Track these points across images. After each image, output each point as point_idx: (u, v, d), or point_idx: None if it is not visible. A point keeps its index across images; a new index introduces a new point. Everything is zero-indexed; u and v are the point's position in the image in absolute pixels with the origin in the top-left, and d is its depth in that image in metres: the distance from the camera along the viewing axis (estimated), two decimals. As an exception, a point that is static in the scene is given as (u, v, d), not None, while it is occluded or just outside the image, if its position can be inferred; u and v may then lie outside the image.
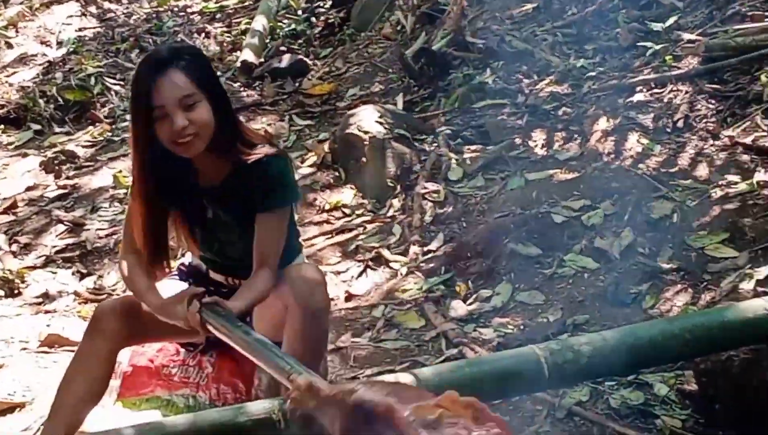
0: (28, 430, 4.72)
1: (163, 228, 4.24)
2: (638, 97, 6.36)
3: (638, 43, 6.78)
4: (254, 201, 4.17)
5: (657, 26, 6.83)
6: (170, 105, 3.89)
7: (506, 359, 3.93)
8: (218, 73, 7.13)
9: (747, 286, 4.86)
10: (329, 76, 8.10)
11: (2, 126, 8.76)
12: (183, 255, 4.69)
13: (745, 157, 5.76)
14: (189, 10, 10.01)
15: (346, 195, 6.42)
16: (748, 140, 5.85)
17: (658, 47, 6.64)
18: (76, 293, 6.19)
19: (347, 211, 6.43)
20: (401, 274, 5.79)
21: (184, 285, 4.37)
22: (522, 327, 5.12)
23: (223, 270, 4.39)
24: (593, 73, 6.74)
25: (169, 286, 4.49)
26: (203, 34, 9.39)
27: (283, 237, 4.22)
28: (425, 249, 5.92)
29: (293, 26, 8.97)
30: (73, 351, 4.51)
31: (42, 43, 9.83)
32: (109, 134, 8.30)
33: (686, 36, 6.63)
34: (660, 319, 4.76)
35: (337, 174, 6.81)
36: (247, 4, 9.68)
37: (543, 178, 6.02)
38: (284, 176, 4.26)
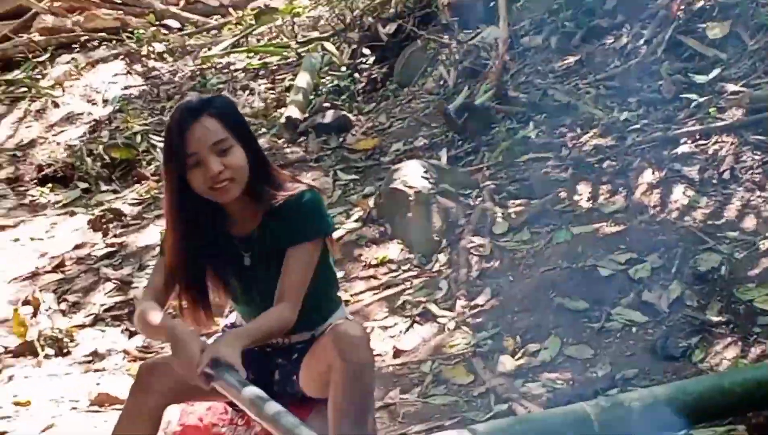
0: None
1: (202, 283, 4.23)
2: (683, 148, 6.34)
3: (682, 95, 6.77)
4: (285, 237, 4.12)
5: (700, 78, 6.82)
6: (204, 151, 3.92)
7: (556, 417, 3.91)
8: (263, 130, 7.16)
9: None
10: (373, 131, 8.11)
11: (50, 185, 8.83)
12: (227, 315, 4.67)
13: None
14: (232, 67, 10.04)
15: (392, 250, 6.42)
16: (797, 192, 5.83)
17: (701, 99, 6.62)
18: (125, 351, 6.19)
19: (393, 266, 6.42)
20: (448, 328, 5.76)
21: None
22: (571, 382, 5.08)
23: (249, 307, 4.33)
24: (637, 126, 6.72)
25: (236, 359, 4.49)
26: (247, 91, 9.42)
27: (310, 272, 4.15)
28: (472, 303, 5.89)
29: (336, 82, 8.98)
30: (121, 409, 4.52)
31: (88, 101, 9.90)
32: (155, 192, 8.31)
33: (730, 87, 6.61)
34: (710, 373, 4.73)
35: (382, 229, 6.80)
36: (290, 61, 9.69)
37: (589, 232, 6.00)
38: (314, 208, 4.21)
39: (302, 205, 4.15)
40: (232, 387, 3.75)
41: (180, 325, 4.00)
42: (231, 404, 4.48)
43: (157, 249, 7.31)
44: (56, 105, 9.94)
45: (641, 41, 7.37)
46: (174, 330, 3.92)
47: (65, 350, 6.22)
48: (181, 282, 4.18)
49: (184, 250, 4.12)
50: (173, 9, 11.48)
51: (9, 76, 10.64)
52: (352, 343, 4.03)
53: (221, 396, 4.37)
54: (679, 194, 6.08)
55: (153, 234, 7.61)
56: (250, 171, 3.99)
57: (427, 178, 6.70)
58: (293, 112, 8.82)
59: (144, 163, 8.75)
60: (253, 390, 3.70)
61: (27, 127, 9.81)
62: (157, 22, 11.23)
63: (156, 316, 4.06)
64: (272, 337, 4.10)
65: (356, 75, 8.93)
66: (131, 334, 6.45)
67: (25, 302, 6.83)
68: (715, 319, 5.22)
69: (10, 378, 5.95)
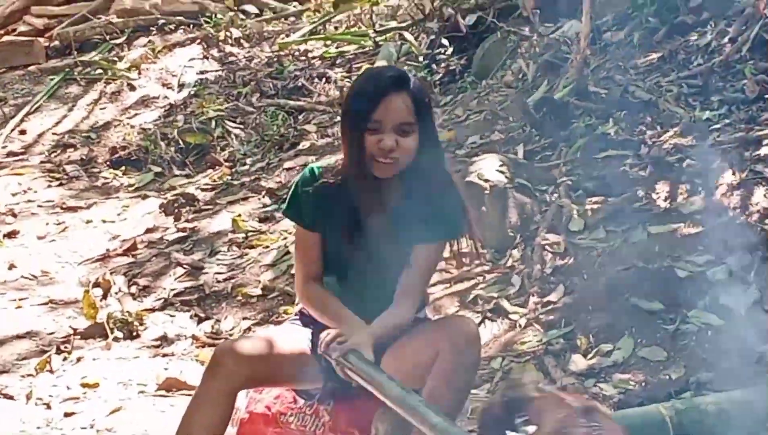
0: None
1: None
2: (765, 150, 6.30)
3: (766, 96, 6.72)
4: (417, 231, 4.17)
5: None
6: (388, 125, 3.99)
7: (632, 417, 3.91)
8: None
9: None
10: (449, 124, 8.09)
11: (123, 167, 8.87)
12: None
13: None
14: (309, 54, 10.05)
15: (463, 242, 6.43)
16: None
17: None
18: (194, 337, 6.22)
19: (466, 260, 6.42)
20: (520, 325, 5.75)
21: (306, 330, 4.38)
22: (643, 384, 5.06)
23: (354, 308, 4.28)
24: (718, 126, 6.67)
25: (290, 332, 4.52)
26: (324, 79, 9.41)
27: (433, 272, 4.34)
28: (545, 300, 5.87)
29: (413, 73, 8.97)
30: (190, 395, 4.52)
31: (164, 85, 9.94)
32: (229, 178, 8.35)
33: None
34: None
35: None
36: (367, 50, 9.68)
37: (666, 232, 5.97)
38: (454, 210, 4.24)
39: (446, 205, 4.22)
40: (366, 374, 3.84)
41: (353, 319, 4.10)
42: (300, 393, 4.51)
43: (229, 235, 7.37)
44: (132, 88, 9.99)
45: (726, 39, 7.32)
46: (349, 320, 4.08)
47: (134, 333, 6.25)
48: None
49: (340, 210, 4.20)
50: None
51: (86, 58, 10.69)
52: (468, 340, 4.11)
53: (294, 384, 4.43)
54: (760, 196, 6.04)
55: (225, 220, 7.65)
56: (418, 155, 4.05)
57: (503, 173, 6.68)
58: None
59: (218, 148, 8.78)
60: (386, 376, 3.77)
61: (102, 109, 9.87)
62: (236, 7, 11.22)
63: (333, 305, 4.23)
64: (394, 333, 4.14)
65: (434, 66, 8.92)
66: (200, 320, 6.49)
67: (96, 284, 6.87)
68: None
69: (79, 359, 6.00)
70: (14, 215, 8.23)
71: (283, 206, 4.41)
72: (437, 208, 4.19)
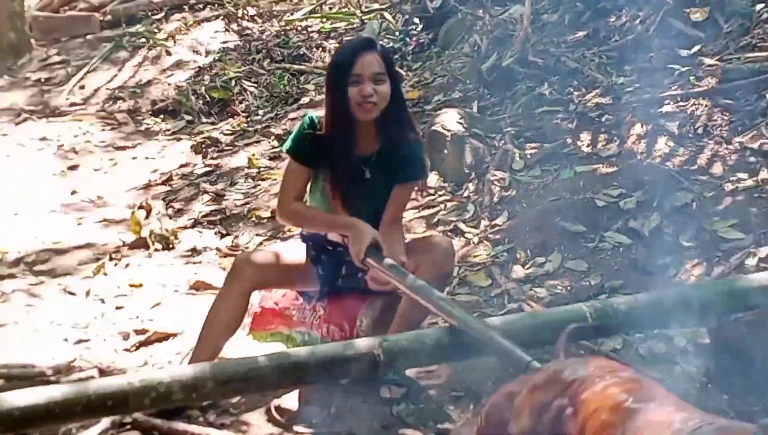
0: (179, 354, 4.76)
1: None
2: (666, 108, 6.31)
3: (668, 66, 6.73)
4: (397, 173, 4.32)
5: (683, 53, 6.78)
6: (366, 75, 4.10)
7: (560, 313, 3.92)
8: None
9: (751, 262, 4.84)
10: (419, 85, 8.08)
11: (162, 116, 8.87)
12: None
13: (752, 159, 5.72)
14: (309, 29, 10.02)
15: (431, 179, 6.41)
16: (755, 145, 5.80)
17: (684, 69, 6.58)
18: (217, 249, 6.24)
19: (431, 191, 6.42)
20: (473, 242, 5.78)
21: (304, 245, 4.53)
22: (569, 288, 5.11)
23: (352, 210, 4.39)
24: (630, 89, 6.69)
25: (293, 247, 4.59)
26: (320, 48, 9.41)
27: (407, 204, 4.64)
28: (493, 223, 5.90)
29: (391, 44, 8.94)
30: (214, 294, 4.56)
31: (194, 52, 9.93)
32: (245, 125, 8.37)
33: (707, 61, 6.57)
34: (680, 286, 4.76)
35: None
36: (355, 26, 9.65)
37: (588, 171, 5.99)
38: (421, 158, 4.53)
39: (416, 154, 4.47)
40: (380, 262, 4.01)
41: (355, 220, 4.20)
42: (302, 293, 4.55)
43: (245, 170, 7.38)
44: (168, 54, 9.97)
45: (637, 21, 7.33)
46: (354, 222, 4.17)
47: (170, 246, 6.27)
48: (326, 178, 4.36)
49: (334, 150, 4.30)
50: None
51: (132, 29, 10.66)
52: (446, 253, 4.38)
53: (297, 286, 4.47)
54: (662, 144, 6.07)
55: (242, 158, 7.67)
56: (389, 104, 4.17)
57: (461, 124, 6.71)
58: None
59: (236, 102, 8.78)
60: (393, 263, 3.97)
61: (145, 70, 9.86)
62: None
63: (321, 214, 4.41)
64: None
65: (407, 39, 8.91)
66: (222, 236, 6.51)
67: (140, 207, 6.88)
68: (686, 244, 5.23)
69: (127, 265, 6.02)
70: (75, 152, 8.21)
71: (285, 144, 4.48)
72: (408, 156, 4.39)
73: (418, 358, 4.00)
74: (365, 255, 4.01)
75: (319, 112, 4.38)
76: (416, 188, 4.48)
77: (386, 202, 4.34)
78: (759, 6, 6.85)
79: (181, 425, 4.03)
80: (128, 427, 4.06)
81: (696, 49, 6.79)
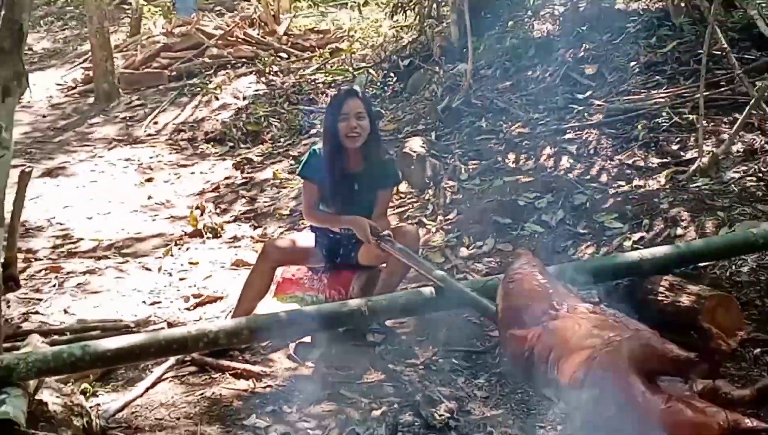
0: (224, 311, 4.75)
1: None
2: (568, 135, 6.34)
3: (569, 105, 6.74)
4: (379, 183, 4.49)
5: (580, 96, 6.80)
6: (351, 114, 4.26)
7: (493, 281, 3.92)
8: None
9: (627, 244, 4.89)
10: (394, 120, 8.04)
11: (212, 143, 8.82)
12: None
13: (628, 171, 5.75)
14: (317, 81, 9.98)
15: (402, 187, 6.41)
16: (630, 162, 5.84)
17: (580, 108, 6.61)
18: (251, 237, 6.21)
19: (402, 195, 6.43)
20: (432, 231, 5.76)
21: (312, 235, 4.60)
22: (499, 263, 5.12)
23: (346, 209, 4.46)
24: (543, 122, 6.71)
25: (305, 235, 4.65)
26: (324, 94, 9.38)
27: (389, 203, 4.75)
28: (446, 218, 5.88)
29: (374, 91, 8.93)
30: (249, 269, 4.60)
31: (234, 97, 9.89)
32: (271, 149, 8.34)
33: (596, 102, 6.59)
34: (577, 261, 4.76)
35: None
36: (348, 79, 9.60)
37: (513, 180, 5.98)
38: (396, 172, 4.74)
39: (391, 170, 4.65)
40: (389, 243, 4.17)
41: (356, 216, 4.30)
42: (311, 268, 4.58)
43: (271, 181, 7.38)
44: (216, 99, 9.92)
45: (547, 74, 7.35)
46: (355, 218, 4.27)
47: (218, 235, 6.24)
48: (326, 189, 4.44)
49: (332, 172, 4.39)
50: (285, 47, 11.37)
51: (190, 82, 10.62)
52: (414, 238, 4.49)
53: (308, 263, 4.49)
54: (565, 161, 6.11)
55: (269, 173, 7.64)
56: (369, 134, 4.32)
57: (423, 147, 6.72)
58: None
59: (265, 133, 8.77)
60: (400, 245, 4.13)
61: (200, 111, 9.82)
62: (275, 54, 11.15)
63: (332, 216, 4.45)
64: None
65: (385, 88, 8.93)
66: (255, 228, 6.48)
67: (197, 207, 6.85)
68: (582, 231, 5.25)
69: (187, 249, 5.99)
70: (150, 169, 8.19)
71: (298, 169, 4.71)
72: (385, 171, 4.55)
73: (393, 313, 4.08)
74: (371, 234, 4.17)
75: (320, 145, 4.54)
76: (393, 193, 4.57)
77: (371, 205, 4.45)
78: (632, 63, 6.90)
79: (225, 362, 4.04)
80: (188, 363, 4.07)
81: (588, 93, 6.82)
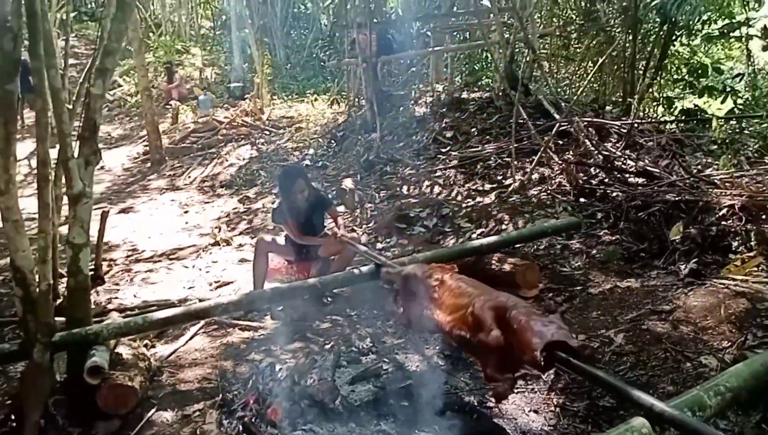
0: (234, 291, 4.66)
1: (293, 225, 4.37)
2: (438, 173, 6.35)
3: (437, 155, 6.78)
4: (322, 207, 4.43)
5: (443, 150, 6.83)
6: (298, 190, 4.18)
7: (396, 262, 3.90)
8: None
9: (474, 236, 4.91)
10: (334, 168, 7.95)
11: (224, 187, 8.61)
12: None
13: (473, 193, 5.81)
14: (287, 147, 9.80)
15: (341, 208, 6.38)
16: (474, 187, 5.89)
17: (443, 156, 6.66)
18: (250, 244, 6.04)
19: (341, 214, 6.39)
20: (360, 234, 5.68)
21: (288, 244, 4.44)
22: (399, 252, 5.11)
23: (306, 233, 4.38)
24: (422, 166, 6.72)
25: (281, 239, 4.52)
26: (293, 155, 9.24)
27: (339, 216, 4.56)
28: (368, 226, 5.88)
29: (322, 152, 8.82)
30: (250, 263, 4.49)
31: (237, 159, 9.67)
32: (261, 190, 8.18)
33: (453, 153, 6.64)
34: (445, 247, 4.79)
35: (337, 201, 6.71)
36: (307, 145, 9.45)
37: (406, 201, 5.98)
38: (328, 198, 4.82)
39: (324, 198, 4.59)
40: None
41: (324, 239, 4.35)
42: (288, 260, 4.49)
43: (262, 209, 7.21)
44: (226, 160, 9.71)
45: (424, 137, 7.36)
46: (324, 239, 4.34)
47: (229, 244, 6.08)
48: (294, 228, 4.33)
49: (291, 215, 4.29)
50: (267, 127, 11.16)
51: (210, 151, 10.34)
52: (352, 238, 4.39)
53: (285, 257, 4.39)
54: (436, 188, 6.13)
55: (260, 204, 7.46)
56: (308, 193, 4.25)
57: (353, 183, 6.69)
58: (307, 161, 8.70)
59: (257, 180, 8.59)
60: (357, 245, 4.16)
61: (215, 167, 9.59)
62: (261, 132, 10.96)
63: (313, 238, 4.39)
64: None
65: (328, 149, 8.79)
66: (252, 238, 6.30)
67: (216, 227, 6.67)
68: (447, 230, 5.27)
69: (211, 253, 5.83)
70: (187, 205, 7.97)
71: (270, 219, 4.89)
72: (321, 201, 4.48)
73: (335, 285, 4.01)
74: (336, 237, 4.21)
75: (278, 200, 4.62)
76: (337, 209, 4.63)
77: (320, 224, 4.43)
78: (473, 129, 6.95)
79: (234, 321, 3.97)
80: (213, 324, 3.99)
81: (448, 148, 6.86)
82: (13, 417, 2.80)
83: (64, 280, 3.86)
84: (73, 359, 3.05)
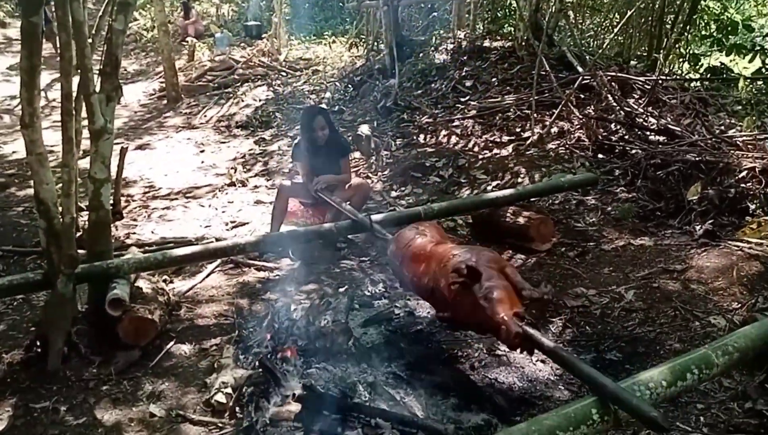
0: (249, 231, 4.71)
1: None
2: (455, 123, 6.26)
3: (456, 105, 6.68)
4: (338, 153, 4.31)
5: (462, 99, 6.73)
6: (318, 127, 4.14)
7: (408, 212, 3.93)
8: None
9: (489, 188, 4.88)
10: (351, 114, 7.87)
11: (240, 128, 8.56)
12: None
13: (490, 145, 5.74)
14: (304, 90, 9.70)
15: (356, 155, 6.37)
16: (491, 139, 5.80)
17: (462, 106, 6.57)
18: (265, 186, 6.06)
19: (357, 160, 6.35)
20: (375, 181, 5.70)
21: (306, 187, 4.38)
22: (414, 200, 5.13)
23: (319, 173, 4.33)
24: (440, 115, 6.62)
25: (300, 181, 4.48)
26: (309, 99, 9.14)
27: (348, 166, 4.43)
28: (383, 173, 5.85)
29: (338, 96, 8.69)
30: (265, 205, 4.52)
31: (253, 99, 9.61)
32: (276, 132, 8.13)
33: (472, 103, 6.55)
34: (460, 198, 4.78)
35: (353, 147, 6.70)
36: (324, 88, 9.34)
37: (422, 151, 5.96)
38: (347, 144, 4.56)
39: (345, 142, 4.49)
40: (325, 193, 4.14)
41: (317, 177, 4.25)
42: (303, 203, 4.52)
43: (277, 152, 7.20)
44: (242, 100, 9.63)
45: (443, 86, 7.25)
46: (317, 179, 4.23)
47: (245, 185, 6.12)
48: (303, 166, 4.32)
49: (309, 153, 4.27)
50: (284, 68, 11.03)
51: (226, 90, 10.26)
52: (366, 186, 4.48)
53: (302, 199, 4.41)
54: (454, 139, 6.08)
55: (275, 146, 7.44)
56: (329, 132, 4.21)
57: (369, 129, 6.62)
58: (324, 104, 8.63)
59: (273, 122, 8.52)
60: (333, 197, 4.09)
61: (231, 107, 9.52)
62: (278, 72, 10.85)
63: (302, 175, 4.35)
64: (341, 183, 4.29)
65: (345, 94, 8.66)
66: (268, 180, 6.31)
67: (232, 168, 6.69)
68: (462, 181, 5.23)
69: (227, 193, 5.87)
70: (203, 144, 7.97)
71: (290, 156, 4.71)
72: (341, 147, 4.35)
73: (349, 232, 4.01)
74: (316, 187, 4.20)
75: (299, 138, 4.47)
76: (349, 159, 4.49)
77: (336, 168, 4.34)
78: (493, 79, 6.84)
79: (250, 261, 4.04)
80: (229, 263, 4.06)
81: (467, 98, 6.75)
82: (38, 343, 2.90)
83: (84, 213, 3.92)
84: (94, 291, 3.13)
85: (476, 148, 5.74)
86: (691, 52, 7.60)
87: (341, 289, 3.56)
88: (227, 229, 4.86)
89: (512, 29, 8.69)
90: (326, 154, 4.33)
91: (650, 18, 7.89)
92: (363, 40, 10.92)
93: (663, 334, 2.90)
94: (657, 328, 2.95)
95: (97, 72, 3.19)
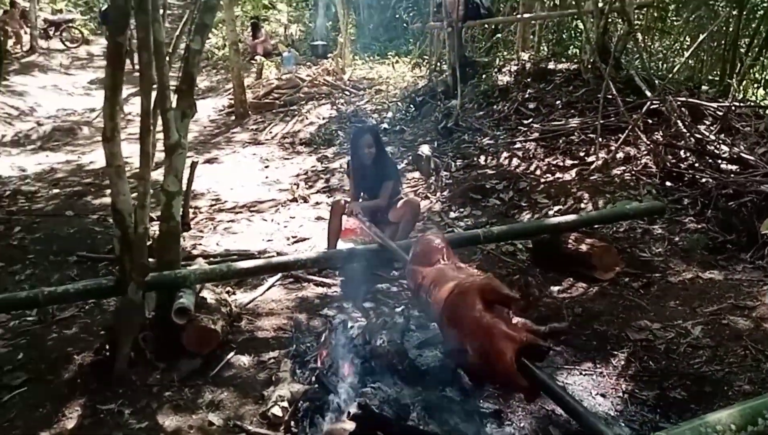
0: (310, 247, 4.79)
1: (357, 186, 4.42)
2: (517, 145, 6.21)
3: (518, 127, 6.62)
4: (384, 176, 4.27)
5: (525, 121, 6.66)
6: (364, 146, 4.17)
7: (468, 234, 3.90)
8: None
9: (551, 213, 4.77)
10: (411, 133, 7.94)
11: (304, 145, 8.76)
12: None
13: (552, 168, 5.63)
14: (366, 109, 9.85)
15: (416, 174, 6.39)
16: (554, 162, 5.71)
17: (525, 128, 6.50)
18: (327, 203, 6.15)
19: (416, 180, 6.39)
20: (433, 202, 5.71)
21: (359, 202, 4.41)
22: (473, 223, 5.09)
23: (368, 195, 4.40)
24: (502, 137, 6.59)
25: (356, 202, 4.52)
26: (371, 118, 9.26)
27: (390, 191, 4.35)
28: (441, 194, 5.84)
29: (400, 116, 8.77)
30: (325, 221, 4.57)
31: (317, 117, 9.81)
32: (339, 150, 8.26)
33: (535, 125, 6.47)
34: (521, 223, 4.69)
35: (412, 167, 6.72)
36: (386, 108, 9.46)
37: (483, 172, 5.92)
38: (395, 169, 4.46)
39: (391, 167, 4.45)
40: (364, 218, 4.04)
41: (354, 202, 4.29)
42: (360, 220, 4.53)
43: (339, 169, 7.29)
44: (307, 118, 9.85)
45: (505, 107, 7.21)
46: (354, 203, 4.27)
47: (307, 201, 6.24)
48: (354, 186, 4.40)
49: (355, 173, 4.34)
50: (348, 87, 11.23)
51: (292, 108, 10.53)
52: (416, 204, 4.36)
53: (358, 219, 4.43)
54: (515, 162, 6.01)
55: (337, 164, 7.55)
56: (375, 152, 4.23)
57: (430, 150, 6.64)
58: (385, 124, 8.72)
59: (335, 139, 8.67)
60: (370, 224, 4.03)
61: (295, 125, 9.75)
62: (342, 92, 11.04)
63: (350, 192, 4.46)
64: (376, 206, 4.29)
65: (407, 114, 8.73)
66: (329, 196, 6.41)
67: (295, 184, 6.85)
68: (523, 204, 5.15)
69: (289, 209, 6.01)
70: (268, 160, 8.19)
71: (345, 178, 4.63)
72: (387, 170, 4.36)
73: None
74: (354, 212, 4.19)
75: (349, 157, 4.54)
76: (392, 184, 4.39)
77: (378, 188, 4.36)
78: (557, 102, 6.74)
79: (309, 276, 4.09)
80: (290, 278, 4.13)
81: (530, 120, 6.68)
82: (107, 347, 3.03)
83: (155, 224, 4.09)
84: (161, 299, 3.25)
85: (538, 172, 5.66)
86: (766, 77, 7.28)
87: (398, 309, 3.56)
88: (288, 244, 4.95)
89: (578, 51, 8.57)
90: (374, 174, 4.36)
91: (723, 41, 7.61)
92: (426, 60, 10.99)
93: (732, 374, 2.75)
94: (725, 368, 2.80)
95: (173, 89, 3.34)
